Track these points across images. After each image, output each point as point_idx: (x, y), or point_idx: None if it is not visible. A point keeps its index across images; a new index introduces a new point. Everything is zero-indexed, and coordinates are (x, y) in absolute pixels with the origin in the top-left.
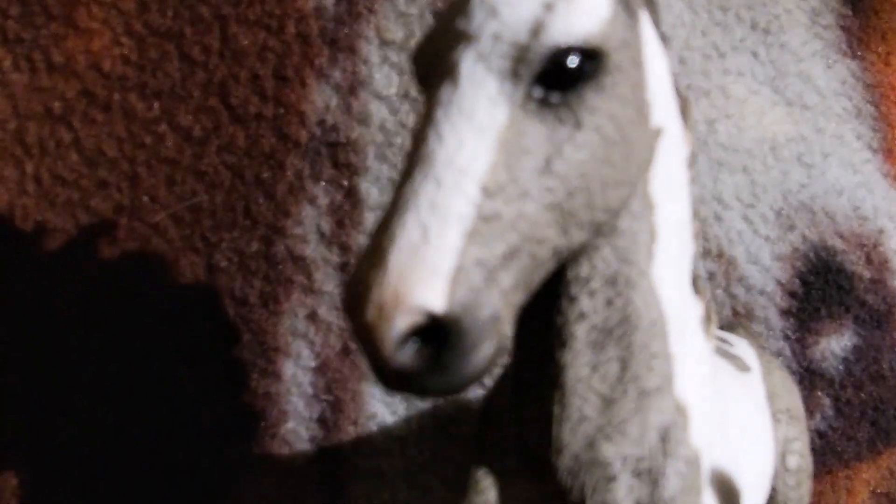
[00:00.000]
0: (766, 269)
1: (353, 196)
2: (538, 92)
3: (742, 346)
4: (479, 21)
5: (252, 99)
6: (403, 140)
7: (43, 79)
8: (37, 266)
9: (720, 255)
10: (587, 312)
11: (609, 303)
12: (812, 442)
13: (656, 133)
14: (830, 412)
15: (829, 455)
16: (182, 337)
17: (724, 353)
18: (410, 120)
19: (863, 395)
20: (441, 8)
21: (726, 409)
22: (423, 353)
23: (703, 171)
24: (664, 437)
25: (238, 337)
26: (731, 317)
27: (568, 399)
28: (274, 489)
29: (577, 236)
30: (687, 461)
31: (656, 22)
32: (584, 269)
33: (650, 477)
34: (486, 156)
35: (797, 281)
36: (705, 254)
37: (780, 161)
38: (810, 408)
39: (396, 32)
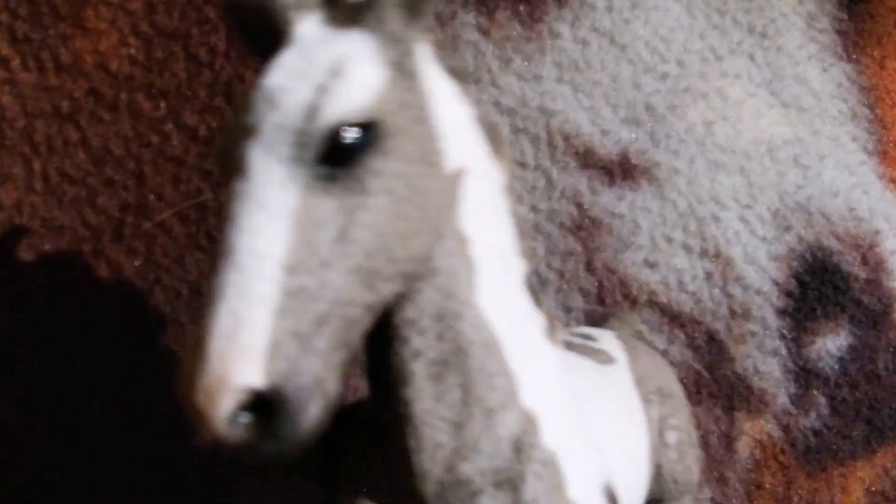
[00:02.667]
0: (762, 268)
1: None
2: (323, 170)
3: (606, 339)
4: (261, 113)
5: None
6: None
7: (51, 78)
8: (38, 265)
9: (717, 254)
10: (421, 349)
11: (440, 337)
12: (807, 440)
13: (455, 176)
14: (826, 411)
15: (824, 453)
16: (186, 334)
17: (587, 350)
18: None
19: (858, 394)
20: (234, 105)
21: (587, 405)
22: (254, 425)
23: (701, 172)
24: (517, 447)
25: None
26: (729, 316)
27: (420, 430)
28: (274, 487)
29: (386, 289)
30: (543, 463)
31: (453, 66)
32: (409, 311)
33: (511, 485)
34: (282, 238)
35: (793, 281)
36: (703, 253)
37: (776, 162)
38: (806, 406)
39: None
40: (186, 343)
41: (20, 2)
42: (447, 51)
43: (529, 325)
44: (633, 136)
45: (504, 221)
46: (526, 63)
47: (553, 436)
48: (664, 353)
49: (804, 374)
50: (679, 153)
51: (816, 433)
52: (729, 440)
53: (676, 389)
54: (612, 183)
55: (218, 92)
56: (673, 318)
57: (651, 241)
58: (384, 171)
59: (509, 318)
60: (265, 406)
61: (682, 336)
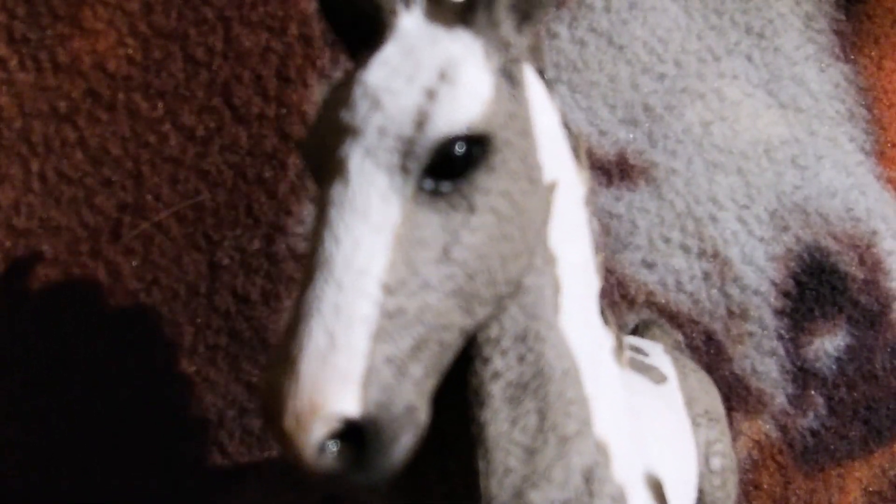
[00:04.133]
0: (760, 269)
1: None
2: (429, 184)
3: (657, 354)
4: (363, 113)
5: (255, 99)
6: None
7: (48, 78)
8: (39, 263)
9: (715, 255)
10: (501, 371)
11: (521, 359)
12: (805, 440)
13: (550, 189)
14: (823, 411)
15: (821, 453)
16: (183, 334)
17: (640, 366)
18: None
19: (856, 394)
20: (326, 95)
21: (646, 426)
22: (344, 455)
23: (699, 172)
24: (588, 478)
25: (239, 333)
26: (726, 316)
27: (491, 454)
28: (275, 485)
29: (482, 313)
30: (612, 498)
31: (542, 69)
32: (493, 330)
33: None
34: (383, 254)
35: (791, 281)
36: (700, 254)
37: (774, 163)
38: (804, 406)
39: None
40: (272, 355)
41: (18, 2)
42: (539, 53)
43: (603, 349)
44: (631, 136)
45: (585, 235)
46: None
47: (623, 469)
48: None
49: (802, 375)
50: (677, 153)
51: (814, 433)
52: None
53: (721, 412)
54: (609, 183)
55: (216, 92)
56: (671, 318)
57: (649, 242)
58: (491, 188)
59: (588, 341)
60: (356, 435)
61: (680, 336)
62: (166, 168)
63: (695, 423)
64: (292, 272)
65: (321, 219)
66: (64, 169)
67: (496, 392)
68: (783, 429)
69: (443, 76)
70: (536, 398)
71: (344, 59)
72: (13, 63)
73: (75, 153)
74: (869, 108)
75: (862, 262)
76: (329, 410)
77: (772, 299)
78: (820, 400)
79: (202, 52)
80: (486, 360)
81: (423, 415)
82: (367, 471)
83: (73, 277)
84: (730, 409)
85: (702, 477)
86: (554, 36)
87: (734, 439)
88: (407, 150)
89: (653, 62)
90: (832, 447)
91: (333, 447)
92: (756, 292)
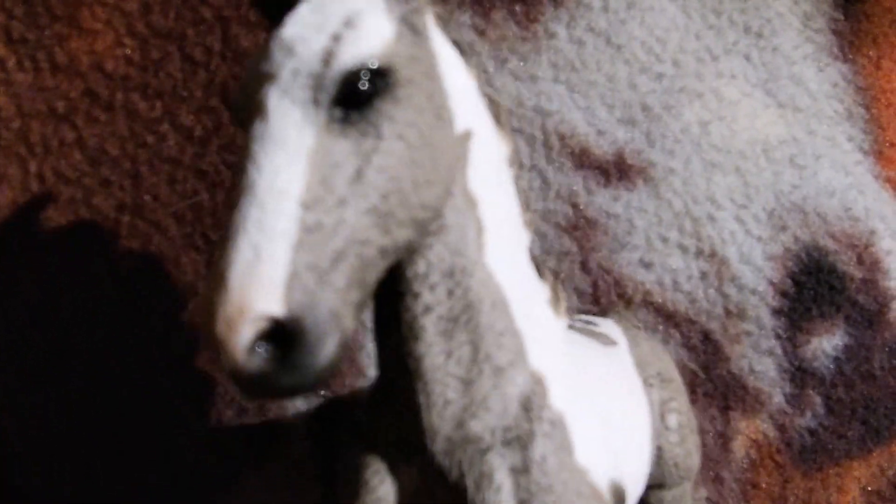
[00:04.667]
0: (758, 268)
1: None
2: (338, 113)
3: (607, 325)
4: (279, 61)
5: None
6: None
7: (47, 78)
8: (39, 263)
9: (713, 254)
10: (431, 305)
11: (450, 293)
12: (803, 440)
13: (465, 137)
14: (821, 410)
15: (819, 453)
16: (183, 334)
17: (589, 333)
18: None
19: (854, 393)
20: (249, 58)
21: (591, 380)
22: (272, 356)
23: (697, 172)
24: (526, 406)
25: None
26: (724, 316)
27: (430, 387)
28: (273, 483)
29: (401, 234)
30: (551, 423)
31: (450, 30)
32: (420, 266)
33: (519, 443)
34: (300, 176)
35: (789, 281)
36: (698, 253)
37: (772, 162)
38: (801, 406)
39: None
40: (205, 275)
41: (16, 2)
42: (449, 22)
43: (534, 293)
44: (629, 136)
45: (509, 190)
46: (522, 63)
47: (560, 399)
48: None
49: (800, 374)
50: (675, 153)
51: (812, 433)
52: (725, 440)
53: (675, 375)
54: (607, 183)
55: (214, 92)
56: (668, 317)
57: (646, 241)
58: (397, 117)
59: (516, 280)
60: (283, 338)
61: (677, 336)
62: (164, 168)
63: (647, 384)
64: None
65: (245, 154)
66: (62, 169)
67: (429, 326)
68: (781, 428)
69: (347, 23)
70: (468, 330)
71: None
72: (11, 63)
73: (73, 153)
74: (867, 108)
75: (860, 261)
76: (255, 311)
77: (769, 299)
78: (818, 399)
79: (200, 52)
80: (416, 295)
81: (348, 322)
82: (294, 372)
83: (71, 278)
84: (727, 409)
85: (659, 435)
86: (552, 36)
87: (732, 438)
88: (317, 84)
89: (651, 62)
90: (830, 447)
91: (262, 349)
92: (754, 292)
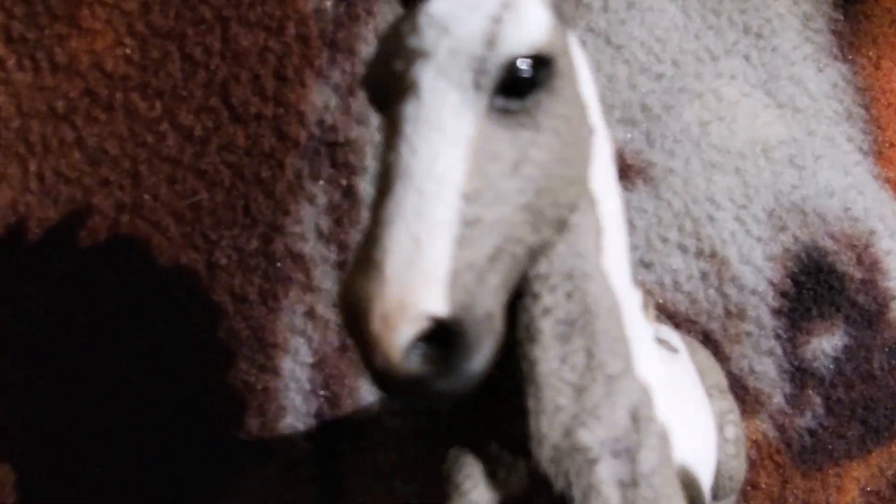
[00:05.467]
0: (758, 269)
1: (351, 195)
2: (499, 101)
3: (666, 330)
4: (433, 38)
5: (252, 99)
6: None
7: (46, 78)
8: (38, 264)
9: (713, 255)
10: (550, 307)
11: (569, 296)
12: (802, 440)
13: (591, 132)
14: (821, 411)
15: (819, 453)
16: (182, 333)
17: (657, 339)
18: None
19: (853, 394)
20: (385, 32)
21: (678, 390)
22: (429, 358)
23: (696, 172)
24: (634, 417)
25: (237, 333)
26: (724, 316)
27: (542, 392)
28: (272, 484)
29: (547, 233)
30: (658, 436)
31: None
32: (542, 266)
33: (628, 455)
34: (460, 164)
35: (789, 281)
36: (698, 254)
37: (771, 163)
38: (801, 406)
39: None
40: (352, 265)
41: (16, 2)
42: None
43: (633, 298)
44: (629, 136)
45: (613, 187)
46: None
47: (663, 410)
48: None
49: (799, 374)
50: (674, 153)
51: (812, 433)
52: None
53: (727, 387)
54: None
55: (213, 92)
56: (668, 318)
57: (646, 241)
58: (553, 110)
59: (624, 286)
60: (441, 339)
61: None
62: (164, 168)
63: (709, 394)
64: (290, 271)
65: (395, 134)
66: (62, 169)
67: (546, 329)
68: (781, 428)
69: (504, 5)
70: (584, 336)
71: (341, 60)
72: (11, 63)
73: (73, 153)
74: (867, 108)
75: (860, 261)
76: (418, 309)
77: (769, 299)
78: (818, 400)
79: (200, 51)
80: (536, 296)
81: (499, 324)
82: (451, 376)
83: (70, 278)
84: None
85: (718, 446)
86: None
87: None
88: (478, 67)
89: (651, 62)
90: (830, 447)
91: (419, 350)
92: (754, 292)
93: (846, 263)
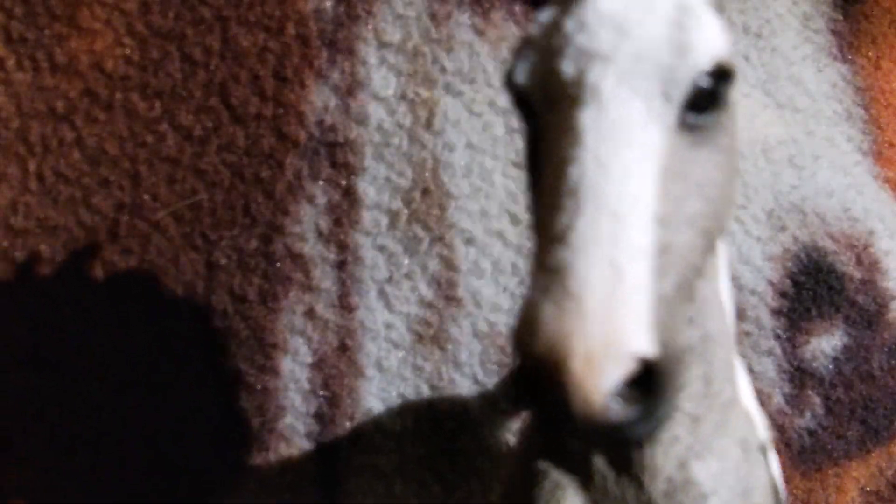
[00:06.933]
0: (757, 269)
1: (350, 195)
2: (689, 115)
3: None
4: (610, 40)
5: (252, 99)
6: (400, 140)
7: (46, 78)
8: (37, 262)
9: None
10: None
11: (691, 321)
12: (802, 440)
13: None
14: (821, 411)
15: (818, 453)
16: (181, 333)
17: None
18: (407, 121)
19: (853, 394)
20: (536, 27)
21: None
22: (633, 402)
23: None
24: (744, 448)
25: (237, 333)
26: None
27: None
28: (271, 484)
29: (708, 258)
30: (766, 468)
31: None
32: None
33: (742, 489)
34: (652, 184)
35: (788, 281)
36: None
37: (771, 163)
38: (800, 406)
39: (394, 34)
40: (538, 293)
41: (15, 2)
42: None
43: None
44: None
45: None
46: None
47: (764, 437)
48: None
49: (799, 375)
50: None
51: (811, 433)
52: None
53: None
54: None
55: (213, 92)
56: None
57: None
58: (727, 128)
59: (730, 309)
60: (642, 382)
61: None
62: (164, 168)
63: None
64: (289, 272)
65: (571, 144)
66: (61, 169)
67: None
68: (780, 428)
69: (681, 9)
70: (703, 362)
71: (341, 60)
72: (11, 63)
73: (72, 153)
74: (866, 108)
75: (859, 261)
76: (626, 349)
77: (769, 299)
78: (817, 400)
79: (199, 52)
80: None
81: (686, 359)
82: (651, 419)
83: (69, 278)
84: None
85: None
86: None
87: None
88: (668, 77)
89: None
90: (829, 447)
91: (622, 393)
92: (753, 292)
93: (845, 263)
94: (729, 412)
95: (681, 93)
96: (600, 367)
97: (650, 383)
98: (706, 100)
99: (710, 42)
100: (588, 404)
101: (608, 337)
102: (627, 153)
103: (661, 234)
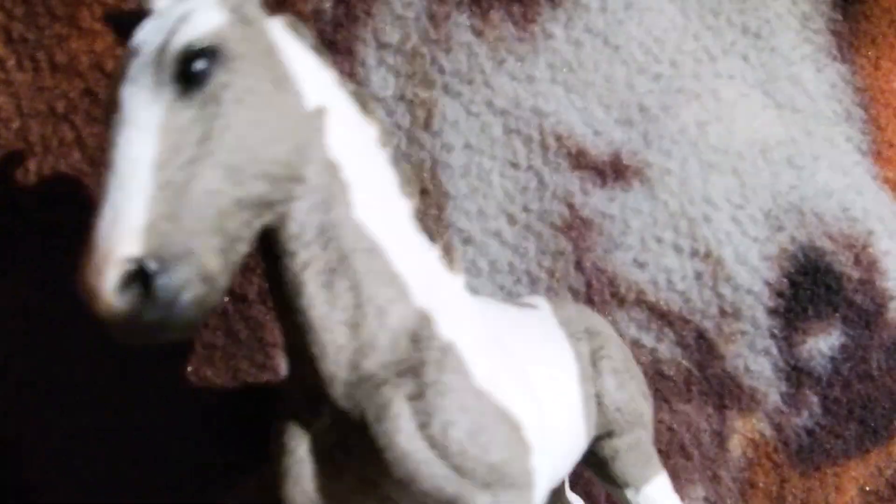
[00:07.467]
0: (754, 269)
1: None
2: (180, 88)
3: (537, 299)
4: (127, 62)
5: None
6: (399, 141)
7: (46, 78)
8: (37, 262)
9: (708, 254)
10: (308, 260)
11: (324, 247)
12: (800, 439)
13: (317, 112)
14: (818, 410)
15: (817, 453)
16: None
17: (507, 301)
18: (406, 121)
19: (851, 393)
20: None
21: (500, 324)
22: (138, 294)
23: (693, 172)
24: (414, 339)
25: (237, 333)
26: (719, 315)
27: (320, 336)
28: (272, 484)
29: (254, 187)
30: (441, 350)
31: (304, 35)
32: (292, 227)
33: (412, 372)
34: (151, 144)
35: (785, 281)
36: (693, 254)
37: (770, 163)
38: (798, 405)
39: (393, 35)
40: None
41: (16, 2)
42: (301, 28)
43: (419, 248)
44: (626, 136)
45: (379, 161)
46: (519, 64)
47: (451, 329)
48: (652, 351)
49: (795, 374)
50: (672, 154)
51: (809, 432)
52: (721, 438)
53: (605, 330)
54: (603, 184)
55: None
56: (662, 316)
57: (641, 242)
58: (234, 84)
59: (392, 233)
60: (147, 277)
61: (671, 335)
62: None
63: (574, 338)
64: None
65: (108, 145)
66: (61, 168)
67: (308, 280)
68: (778, 428)
69: (181, 19)
70: (347, 277)
71: (340, 61)
72: (11, 63)
73: (73, 153)
74: (866, 109)
75: (857, 262)
76: (118, 255)
77: (765, 299)
78: (814, 399)
79: None
80: (293, 254)
81: (208, 262)
82: (159, 304)
83: (69, 277)
84: (723, 407)
85: (595, 382)
86: (549, 36)
87: (728, 437)
88: (157, 69)
89: (649, 62)
90: (828, 446)
91: (129, 290)
92: (749, 292)
93: (844, 263)
94: (389, 312)
95: (167, 75)
96: (102, 271)
97: (145, 277)
98: (199, 72)
99: (191, 33)
100: (100, 302)
101: (105, 251)
102: (131, 131)
103: (160, 175)
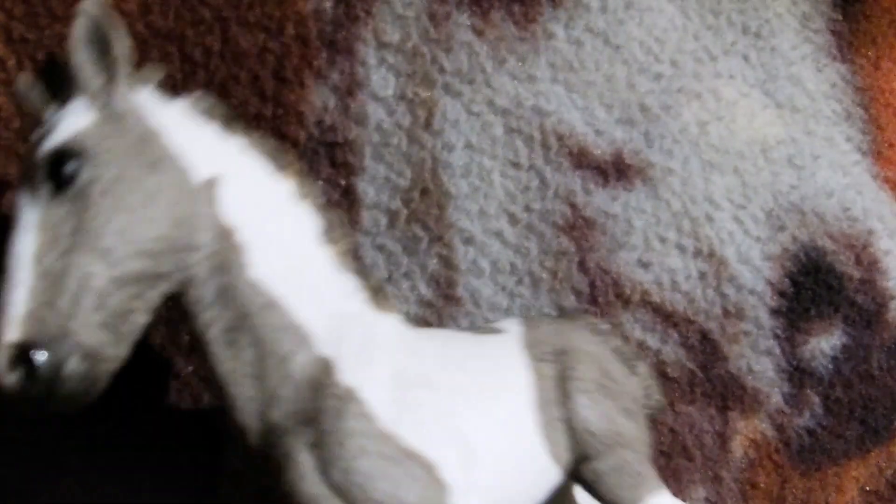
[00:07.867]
0: (756, 268)
1: (350, 195)
2: (52, 188)
3: (509, 323)
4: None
5: (252, 99)
6: (400, 141)
7: None
8: None
9: (711, 254)
10: (210, 321)
11: (225, 307)
12: (801, 439)
13: (210, 183)
14: (820, 410)
15: (818, 453)
16: (180, 333)
17: (474, 329)
18: (406, 121)
19: (852, 393)
20: None
21: (429, 361)
22: (24, 374)
23: (695, 172)
24: (315, 387)
25: None
26: (722, 316)
27: (230, 389)
28: None
29: (132, 265)
30: (339, 398)
31: (208, 108)
32: (192, 293)
33: (313, 420)
34: (32, 240)
35: (787, 281)
36: (696, 253)
37: (770, 163)
38: (800, 406)
39: (393, 35)
40: None
41: (15, 2)
42: (208, 103)
43: (336, 293)
44: (627, 136)
45: (292, 215)
46: (520, 63)
47: (357, 374)
48: (657, 353)
49: (798, 374)
50: (673, 153)
51: (810, 432)
52: (723, 439)
53: (579, 346)
54: (605, 183)
55: (213, 92)
56: (666, 317)
57: (644, 242)
58: (100, 177)
59: (298, 283)
60: (30, 360)
61: (675, 335)
62: None
63: (538, 361)
64: None
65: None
66: None
67: (213, 338)
68: (779, 428)
69: (53, 128)
70: (249, 332)
71: (340, 61)
72: (11, 63)
73: None
74: (866, 108)
75: (858, 261)
76: (3, 341)
77: (768, 299)
78: (816, 399)
79: (199, 52)
80: (195, 317)
81: (90, 339)
82: (41, 381)
83: None
84: (726, 408)
85: (562, 406)
86: (550, 36)
87: (730, 438)
88: (32, 174)
89: (649, 62)
90: (829, 446)
91: (17, 371)
92: (752, 292)
93: (845, 263)
94: (289, 362)
95: (41, 178)
96: None
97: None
98: (67, 172)
99: (56, 139)
100: None
101: None
102: (19, 230)
103: (38, 267)
